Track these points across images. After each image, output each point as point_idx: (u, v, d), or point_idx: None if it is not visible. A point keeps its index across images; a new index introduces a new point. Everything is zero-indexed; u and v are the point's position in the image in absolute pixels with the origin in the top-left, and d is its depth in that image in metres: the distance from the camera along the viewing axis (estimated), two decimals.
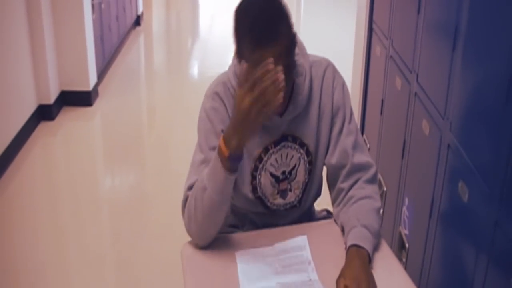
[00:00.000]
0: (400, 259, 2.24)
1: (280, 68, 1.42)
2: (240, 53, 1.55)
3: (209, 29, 8.13)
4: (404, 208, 2.41)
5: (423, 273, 2.10)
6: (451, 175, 1.87)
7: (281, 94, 1.43)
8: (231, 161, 1.53)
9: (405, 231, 2.39)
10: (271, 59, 1.43)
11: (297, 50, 1.68)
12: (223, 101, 1.68)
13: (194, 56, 6.97)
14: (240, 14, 1.54)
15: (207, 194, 1.57)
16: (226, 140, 1.51)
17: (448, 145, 1.89)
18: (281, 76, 1.42)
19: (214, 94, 1.69)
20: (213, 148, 1.62)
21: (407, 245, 2.34)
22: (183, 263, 1.64)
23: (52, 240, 3.30)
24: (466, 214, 1.72)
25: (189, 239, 1.72)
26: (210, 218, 1.60)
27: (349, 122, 1.74)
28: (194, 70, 6.49)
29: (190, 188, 1.64)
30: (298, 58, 1.68)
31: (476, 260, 1.60)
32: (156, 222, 3.43)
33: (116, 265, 3.14)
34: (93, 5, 5.02)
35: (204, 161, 1.64)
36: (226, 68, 1.75)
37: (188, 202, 1.63)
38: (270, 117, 1.62)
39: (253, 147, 1.71)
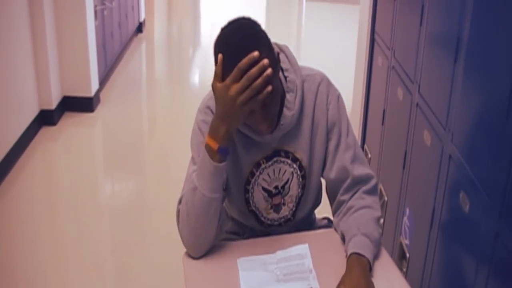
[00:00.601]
0: (400, 269, 2.24)
1: (266, 60, 1.46)
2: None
3: (210, 38, 8.16)
4: (405, 218, 2.42)
5: (423, 283, 2.10)
6: (452, 186, 1.88)
7: (270, 87, 1.48)
8: (220, 153, 1.57)
9: (405, 241, 2.39)
10: (256, 52, 1.46)
11: (288, 66, 1.69)
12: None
13: (195, 64, 6.99)
14: (220, 47, 1.53)
15: (197, 193, 1.58)
16: (213, 133, 1.56)
17: (450, 156, 1.90)
18: (269, 70, 1.46)
19: (206, 108, 1.69)
20: None
21: (407, 255, 2.34)
22: (184, 270, 1.64)
23: (51, 245, 3.31)
24: (467, 225, 1.73)
25: None
26: (203, 220, 1.60)
27: (347, 136, 1.73)
28: (195, 78, 6.51)
29: (180, 201, 1.65)
30: (289, 74, 1.68)
31: (477, 270, 1.60)
32: (156, 229, 3.43)
33: (115, 272, 3.14)
34: (96, 12, 5.04)
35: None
36: None
37: (180, 212, 1.64)
38: (261, 134, 1.65)
39: (245, 162, 1.71)
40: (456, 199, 1.79)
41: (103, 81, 5.41)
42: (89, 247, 3.27)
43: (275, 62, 1.55)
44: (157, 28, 8.09)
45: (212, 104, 1.68)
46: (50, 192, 3.94)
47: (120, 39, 6.17)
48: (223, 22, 1.57)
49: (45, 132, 4.54)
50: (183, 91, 5.95)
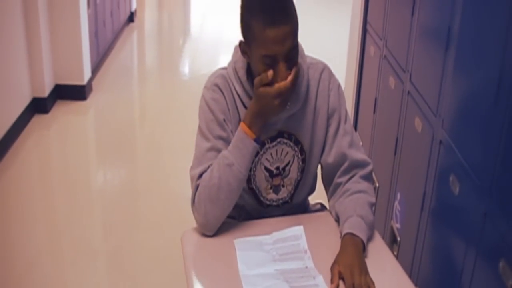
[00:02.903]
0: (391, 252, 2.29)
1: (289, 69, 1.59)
2: (250, 35, 1.60)
3: (200, 28, 8.17)
4: (396, 203, 2.47)
5: (414, 265, 2.15)
6: (443, 170, 1.93)
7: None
8: (257, 140, 1.69)
9: (396, 225, 2.44)
10: (270, 71, 1.59)
11: None
12: (223, 93, 1.73)
13: (185, 54, 7.00)
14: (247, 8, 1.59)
15: (234, 169, 1.66)
16: (251, 125, 1.67)
17: (440, 141, 1.94)
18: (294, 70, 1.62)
19: (214, 85, 1.73)
20: (218, 137, 1.69)
21: (398, 239, 2.39)
22: (183, 250, 1.68)
23: (45, 232, 3.33)
24: (457, 207, 1.78)
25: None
26: (232, 195, 1.69)
27: (345, 122, 1.79)
28: (185, 68, 6.52)
29: (200, 176, 1.69)
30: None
31: (466, 250, 1.65)
32: (148, 214, 3.47)
33: (108, 256, 3.16)
34: (88, 1, 5.03)
35: (212, 149, 1.70)
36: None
37: (204, 187, 1.68)
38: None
39: None
40: (446, 183, 1.84)
41: (95, 69, 5.41)
42: (82, 233, 3.29)
43: (297, 22, 1.62)
44: (148, 17, 8.08)
45: (220, 82, 1.73)
46: (43, 179, 3.95)
47: (112, 28, 6.17)
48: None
49: (38, 120, 4.54)
50: (174, 79, 5.96)
